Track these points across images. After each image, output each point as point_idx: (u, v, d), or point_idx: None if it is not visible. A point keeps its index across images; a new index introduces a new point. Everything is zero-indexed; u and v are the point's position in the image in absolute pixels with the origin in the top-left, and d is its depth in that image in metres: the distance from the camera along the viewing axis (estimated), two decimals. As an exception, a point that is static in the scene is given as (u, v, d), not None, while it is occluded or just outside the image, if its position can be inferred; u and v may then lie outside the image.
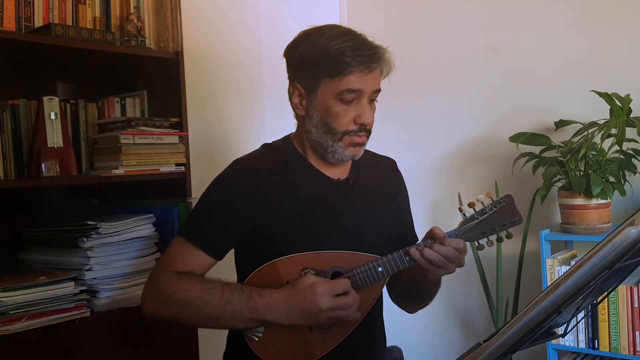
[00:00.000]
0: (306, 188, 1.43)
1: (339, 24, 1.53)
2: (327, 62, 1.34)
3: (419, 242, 1.38)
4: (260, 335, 1.34)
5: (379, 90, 1.40)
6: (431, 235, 1.36)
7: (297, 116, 1.46)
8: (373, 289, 1.38)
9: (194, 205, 1.74)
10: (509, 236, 1.41)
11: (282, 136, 1.53)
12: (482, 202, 1.39)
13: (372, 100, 1.40)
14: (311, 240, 1.38)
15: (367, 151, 1.56)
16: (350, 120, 1.37)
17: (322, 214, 1.42)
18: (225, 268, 1.47)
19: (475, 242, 1.40)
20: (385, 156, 1.63)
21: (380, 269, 1.35)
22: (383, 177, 1.57)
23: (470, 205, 1.39)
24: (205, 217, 1.41)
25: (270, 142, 1.52)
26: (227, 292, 1.30)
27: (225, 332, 1.53)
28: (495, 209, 1.39)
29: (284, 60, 1.45)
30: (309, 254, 1.35)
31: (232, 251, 1.49)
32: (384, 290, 1.59)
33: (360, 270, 1.34)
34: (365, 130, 1.39)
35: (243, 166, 1.44)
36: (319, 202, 1.43)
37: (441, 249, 1.32)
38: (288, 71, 1.45)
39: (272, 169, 1.43)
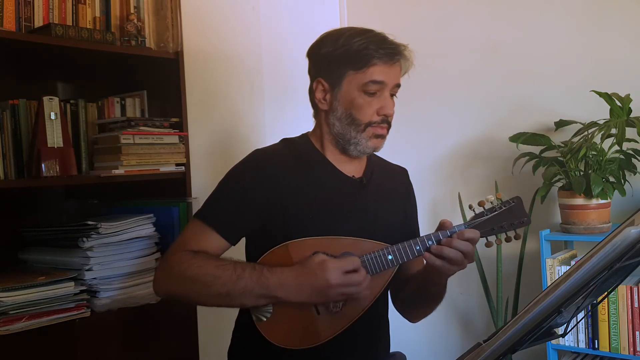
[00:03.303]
0: (320, 182, 1.46)
1: (338, 24, 1.55)
2: (351, 56, 1.40)
3: (430, 234, 1.38)
4: (269, 315, 1.35)
5: (399, 85, 1.46)
6: (442, 228, 1.38)
7: (316, 113, 1.51)
8: (381, 277, 1.39)
9: (193, 205, 1.73)
10: (517, 237, 1.44)
11: (284, 136, 1.56)
12: (491, 202, 1.43)
13: (392, 95, 1.46)
14: (322, 232, 1.39)
15: (380, 158, 1.61)
16: (374, 112, 1.42)
17: (334, 207, 1.44)
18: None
19: (485, 239, 1.42)
20: (397, 165, 1.66)
21: (390, 257, 1.36)
22: (395, 183, 1.60)
23: (480, 204, 1.43)
24: (220, 200, 1.43)
25: (289, 137, 1.55)
26: (239, 269, 1.31)
27: (226, 332, 1.53)
28: (504, 208, 1.42)
29: (307, 59, 1.50)
30: (321, 239, 1.38)
31: (242, 246, 1.49)
32: (388, 296, 1.60)
33: (370, 257, 1.36)
34: (387, 122, 1.44)
35: (262, 157, 1.47)
36: (332, 196, 1.45)
37: (460, 244, 1.33)
38: (311, 69, 1.49)
39: (289, 162, 1.46)
